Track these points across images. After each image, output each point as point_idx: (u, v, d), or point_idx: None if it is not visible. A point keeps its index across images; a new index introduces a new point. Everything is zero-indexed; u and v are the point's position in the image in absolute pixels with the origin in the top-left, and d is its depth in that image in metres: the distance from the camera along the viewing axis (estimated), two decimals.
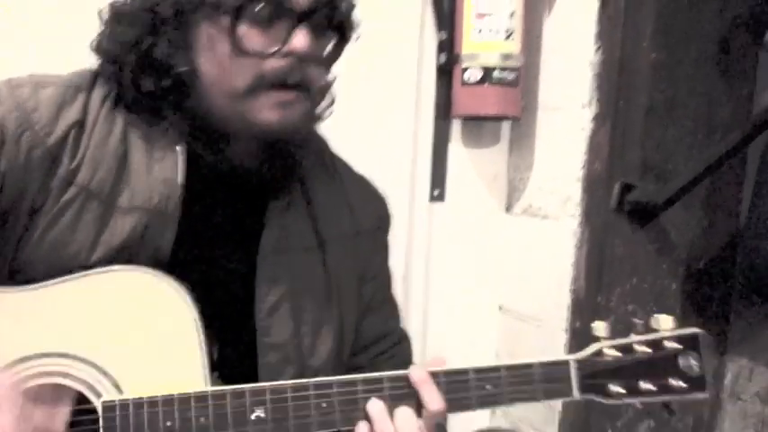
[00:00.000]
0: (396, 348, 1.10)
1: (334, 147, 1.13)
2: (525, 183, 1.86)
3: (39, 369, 0.84)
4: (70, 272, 0.87)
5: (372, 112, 1.74)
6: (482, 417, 1.96)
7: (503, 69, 1.67)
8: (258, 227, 0.97)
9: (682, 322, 1.69)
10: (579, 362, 0.88)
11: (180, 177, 0.91)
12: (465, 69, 1.69)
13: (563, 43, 1.69)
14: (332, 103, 1.01)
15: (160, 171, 0.90)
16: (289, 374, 0.95)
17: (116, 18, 0.92)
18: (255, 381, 0.91)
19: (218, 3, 0.85)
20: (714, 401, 1.81)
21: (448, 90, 1.76)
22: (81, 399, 0.87)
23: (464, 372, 0.87)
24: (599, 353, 0.88)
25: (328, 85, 0.99)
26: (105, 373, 0.84)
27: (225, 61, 0.86)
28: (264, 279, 0.96)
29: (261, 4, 0.85)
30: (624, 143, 1.59)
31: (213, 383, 0.85)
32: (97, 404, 0.83)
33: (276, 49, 0.85)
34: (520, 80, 1.71)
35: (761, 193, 1.51)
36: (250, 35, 0.85)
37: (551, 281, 1.73)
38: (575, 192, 1.65)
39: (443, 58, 1.75)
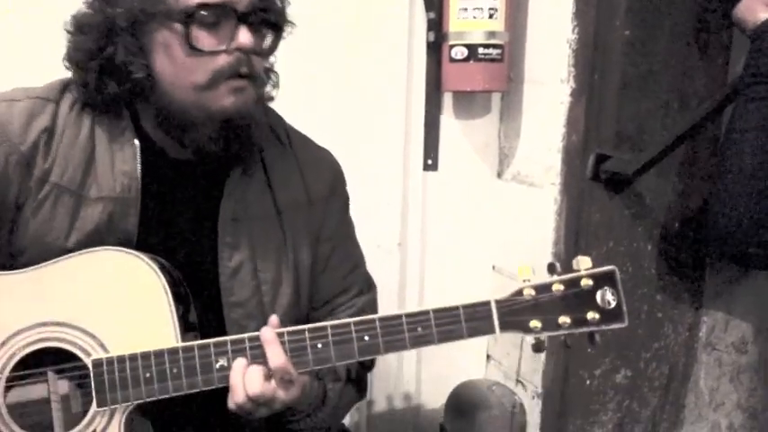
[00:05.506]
0: (355, 300, 1.22)
1: (290, 122, 1.24)
2: (514, 151, 1.95)
3: (38, 336, 0.99)
4: (57, 255, 1.01)
5: (367, 88, 1.84)
6: (478, 369, 2.11)
7: (487, 47, 1.75)
8: (218, 200, 1.10)
9: (657, 280, 1.83)
10: (499, 302, 0.94)
11: (138, 167, 1.05)
12: (452, 47, 1.78)
13: (544, 21, 1.77)
14: (276, 84, 1.16)
15: (121, 163, 1.05)
16: (252, 328, 1.06)
17: (78, 28, 1.04)
18: (225, 335, 1.05)
19: (169, 12, 0.97)
20: (689, 352, 1.95)
21: (438, 65, 1.85)
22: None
23: (398, 317, 0.95)
24: (519, 293, 0.95)
25: (271, 71, 1.14)
26: (93, 336, 0.99)
27: (182, 61, 0.99)
28: (225, 245, 1.09)
29: (208, 10, 0.97)
30: (599, 116, 1.68)
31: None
32: (87, 361, 0.97)
33: (225, 46, 0.99)
34: (505, 56, 1.79)
35: (724, 173, 1.55)
36: (201, 37, 0.98)
37: (536, 244, 1.84)
38: (555, 161, 1.75)
39: (432, 36, 1.84)
